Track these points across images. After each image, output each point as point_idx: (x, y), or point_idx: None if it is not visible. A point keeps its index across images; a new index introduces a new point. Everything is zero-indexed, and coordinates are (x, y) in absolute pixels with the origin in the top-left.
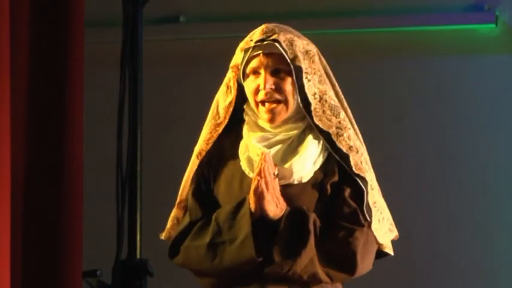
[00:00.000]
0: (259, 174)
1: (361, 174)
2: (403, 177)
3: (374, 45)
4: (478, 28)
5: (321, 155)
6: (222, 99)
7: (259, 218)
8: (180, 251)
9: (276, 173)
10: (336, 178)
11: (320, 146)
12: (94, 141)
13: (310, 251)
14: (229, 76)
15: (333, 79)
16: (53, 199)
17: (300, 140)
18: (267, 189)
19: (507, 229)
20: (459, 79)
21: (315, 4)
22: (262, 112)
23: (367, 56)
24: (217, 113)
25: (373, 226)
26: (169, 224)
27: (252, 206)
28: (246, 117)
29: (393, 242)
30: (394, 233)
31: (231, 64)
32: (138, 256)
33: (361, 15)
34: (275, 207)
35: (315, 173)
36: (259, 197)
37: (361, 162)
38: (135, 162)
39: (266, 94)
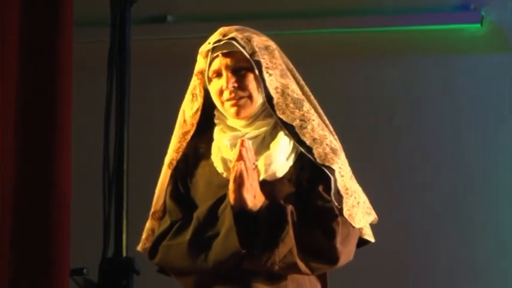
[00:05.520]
0: (238, 159)
1: (326, 164)
2: (392, 174)
3: (361, 45)
4: (464, 28)
5: (295, 150)
6: (189, 108)
7: (240, 212)
8: (159, 250)
9: (256, 163)
10: (310, 172)
11: (293, 141)
12: (81, 141)
13: (289, 242)
14: (194, 84)
15: (296, 73)
16: (41, 199)
17: (272, 136)
18: (247, 175)
19: (492, 228)
20: (445, 78)
21: (303, 4)
22: (228, 108)
23: (355, 55)
24: (185, 121)
25: (347, 212)
26: (144, 235)
27: (231, 196)
28: (216, 121)
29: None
30: (373, 216)
31: (195, 71)
32: (124, 254)
33: (349, 15)
34: (253, 197)
35: (291, 167)
36: (239, 183)
37: (325, 153)
38: (121, 162)
39: (230, 93)
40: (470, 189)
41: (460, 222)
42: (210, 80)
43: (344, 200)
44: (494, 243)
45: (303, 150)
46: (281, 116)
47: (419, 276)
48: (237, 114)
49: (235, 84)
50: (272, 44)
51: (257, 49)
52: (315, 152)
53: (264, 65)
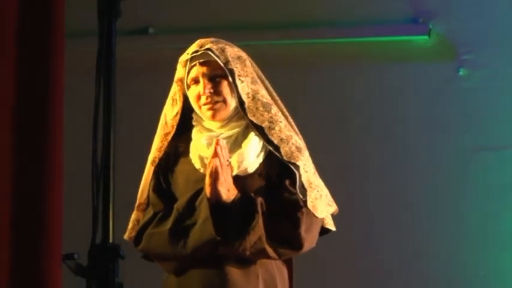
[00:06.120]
0: (214, 156)
1: (292, 161)
2: (345, 173)
3: (320, 55)
4: (413, 39)
5: (264, 149)
6: (170, 111)
7: (215, 203)
8: (143, 238)
9: (229, 160)
10: (278, 168)
11: (262, 141)
12: (73, 140)
13: (258, 230)
14: (175, 90)
15: (265, 81)
16: (36, 194)
17: (244, 136)
18: (222, 170)
19: (441, 225)
20: (396, 85)
21: (272, 16)
22: (205, 111)
23: (314, 64)
24: (166, 123)
25: (310, 204)
26: (130, 225)
27: (208, 189)
28: (194, 123)
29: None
30: (334, 208)
31: (175, 79)
32: (110, 241)
33: (310, 28)
34: (227, 191)
35: (260, 164)
36: (215, 178)
37: (291, 152)
38: (108, 159)
39: (207, 98)
40: (414, 190)
41: (402, 222)
42: (188, 86)
43: (308, 193)
44: (442, 241)
45: (271, 148)
46: (252, 118)
47: (375, 259)
48: (213, 117)
49: (211, 90)
50: (243, 55)
51: (230, 59)
52: (282, 150)
53: (236, 73)
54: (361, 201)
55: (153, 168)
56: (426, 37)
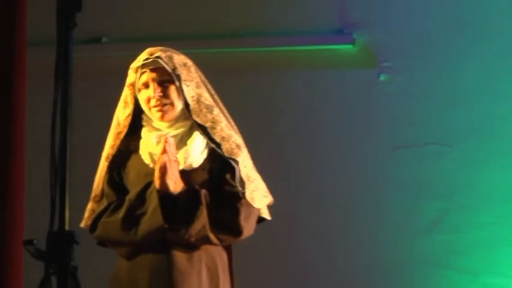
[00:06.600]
0: (163, 153)
1: (232, 157)
2: (275, 171)
3: (253, 62)
4: (339, 48)
5: (207, 146)
6: (121, 113)
7: (163, 195)
8: (98, 226)
9: (176, 156)
10: (220, 164)
11: (206, 139)
12: (35, 139)
13: (202, 219)
14: (126, 93)
15: (208, 85)
16: (1, 190)
17: (189, 135)
18: (170, 165)
19: (363, 218)
20: (323, 89)
21: (210, 27)
22: (155, 113)
23: (247, 71)
24: (118, 124)
25: (249, 195)
26: (86, 215)
27: (157, 182)
28: (144, 123)
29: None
30: (269, 199)
31: (127, 83)
32: (66, 228)
33: (243, 37)
34: (174, 183)
35: (204, 160)
36: (163, 172)
37: (231, 149)
38: (65, 156)
39: (156, 101)
40: (339, 186)
41: (327, 216)
42: (139, 90)
43: (246, 186)
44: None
45: (213, 146)
46: (196, 119)
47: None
48: (162, 117)
49: (161, 94)
50: (189, 61)
51: (177, 65)
52: (223, 147)
53: (183, 78)
54: (289, 198)
55: (106, 163)
56: (351, 46)
